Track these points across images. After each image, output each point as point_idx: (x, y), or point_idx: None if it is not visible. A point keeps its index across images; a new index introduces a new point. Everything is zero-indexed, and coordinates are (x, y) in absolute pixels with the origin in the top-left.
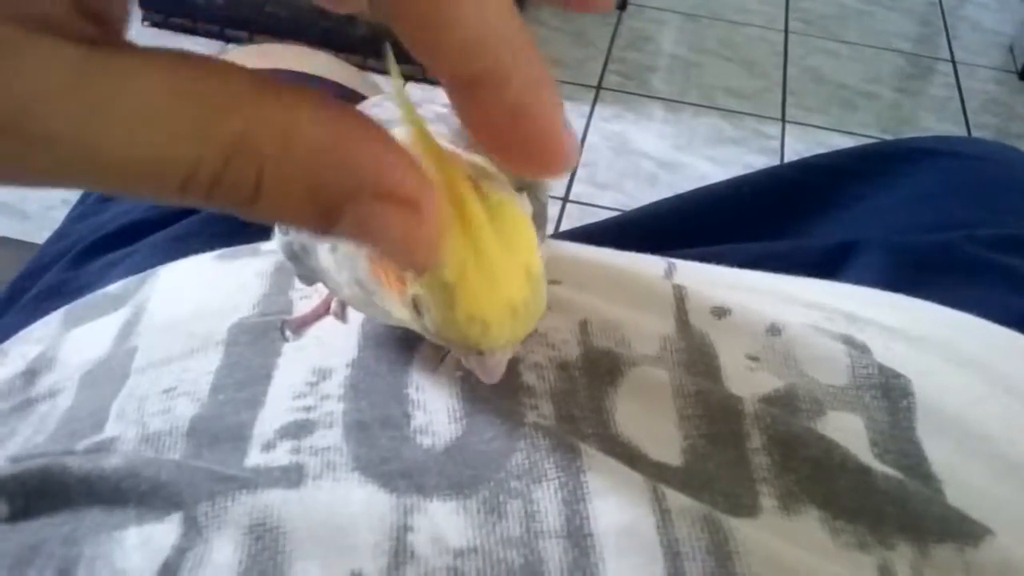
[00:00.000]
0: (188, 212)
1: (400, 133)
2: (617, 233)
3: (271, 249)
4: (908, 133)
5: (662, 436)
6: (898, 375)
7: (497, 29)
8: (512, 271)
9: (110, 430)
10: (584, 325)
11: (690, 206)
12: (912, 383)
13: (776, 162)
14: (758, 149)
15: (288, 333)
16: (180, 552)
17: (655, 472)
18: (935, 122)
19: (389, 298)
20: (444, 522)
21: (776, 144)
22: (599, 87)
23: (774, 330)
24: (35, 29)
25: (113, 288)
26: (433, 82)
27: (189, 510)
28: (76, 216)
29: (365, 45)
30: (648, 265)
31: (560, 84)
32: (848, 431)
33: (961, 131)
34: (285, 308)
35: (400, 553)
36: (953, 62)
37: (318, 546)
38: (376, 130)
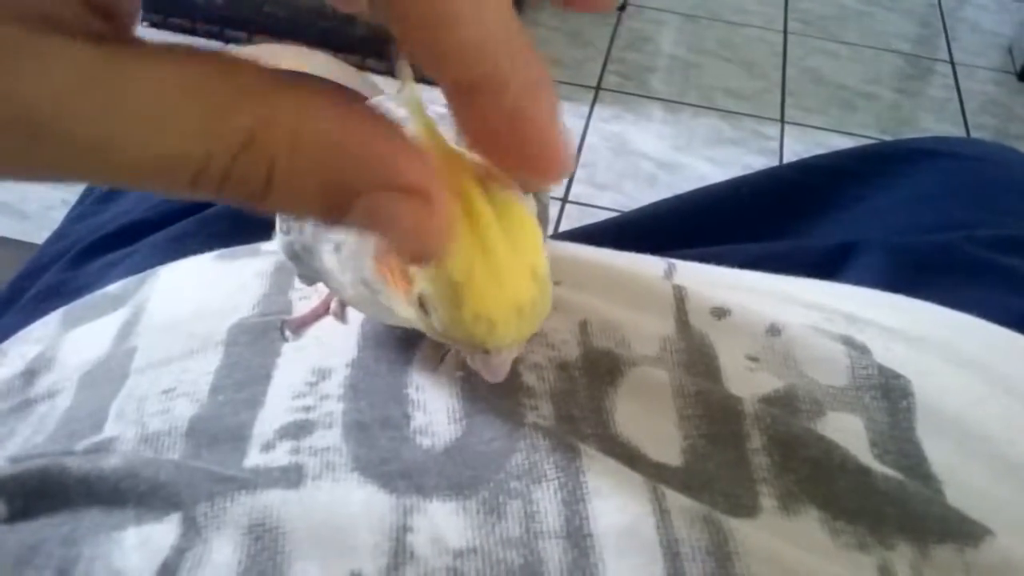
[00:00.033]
0: (188, 212)
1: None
2: (616, 234)
3: (271, 249)
4: (907, 134)
5: (662, 436)
6: (898, 376)
7: (496, 30)
8: (519, 271)
9: (109, 430)
10: (584, 325)
11: (689, 207)
12: (912, 384)
13: (775, 163)
14: (757, 150)
15: (288, 333)
16: (179, 552)
17: (655, 472)
18: (934, 123)
19: (394, 297)
20: (444, 522)
21: (775, 145)
22: (598, 88)
23: (774, 331)
24: (45, 28)
25: (112, 288)
26: (429, 82)
27: (188, 510)
28: (75, 216)
29: (364, 45)
30: (648, 265)
31: (559, 85)
32: (848, 432)
33: (960, 132)
34: (285, 308)
35: (400, 553)
36: (952, 63)
37: (317, 546)
38: (385, 122)
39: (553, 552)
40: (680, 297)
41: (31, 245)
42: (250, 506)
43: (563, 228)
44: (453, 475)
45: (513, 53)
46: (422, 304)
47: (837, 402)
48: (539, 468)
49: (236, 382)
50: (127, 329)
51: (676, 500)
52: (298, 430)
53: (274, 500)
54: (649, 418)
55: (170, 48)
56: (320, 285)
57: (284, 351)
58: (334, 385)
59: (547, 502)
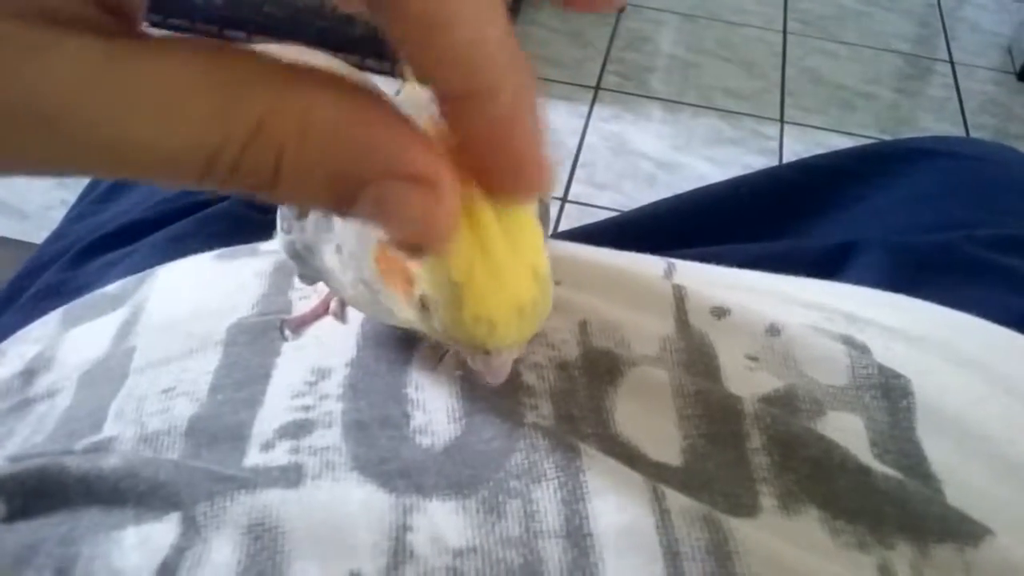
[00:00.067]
0: (187, 212)
1: None
2: (616, 233)
3: (270, 249)
4: (907, 134)
5: (662, 436)
6: (898, 375)
7: (491, 33)
8: (519, 271)
9: (108, 430)
10: (584, 325)
11: (689, 206)
12: (912, 383)
13: (775, 163)
14: (757, 150)
15: (287, 333)
16: (178, 552)
17: (655, 472)
18: (933, 122)
19: (395, 298)
20: (443, 522)
21: (775, 144)
22: (597, 87)
23: (773, 330)
24: (53, 24)
25: (112, 288)
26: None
27: (187, 510)
28: (75, 216)
29: (363, 45)
30: (648, 265)
31: (559, 84)
32: (848, 431)
33: (959, 131)
34: (284, 308)
35: (399, 553)
36: (951, 63)
37: (317, 546)
38: (393, 112)
39: (553, 551)
40: (680, 297)
41: (30, 245)
42: (249, 505)
43: (563, 228)
44: (453, 474)
45: (506, 56)
46: (423, 305)
47: (837, 401)
48: (539, 467)
49: (235, 381)
50: (126, 329)
51: (676, 500)
52: (297, 429)
53: (273, 499)
54: (649, 418)
55: (177, 41)
56: (320, 285)
57: (283, 351)
58: (333, 385)
59: (547, 501)
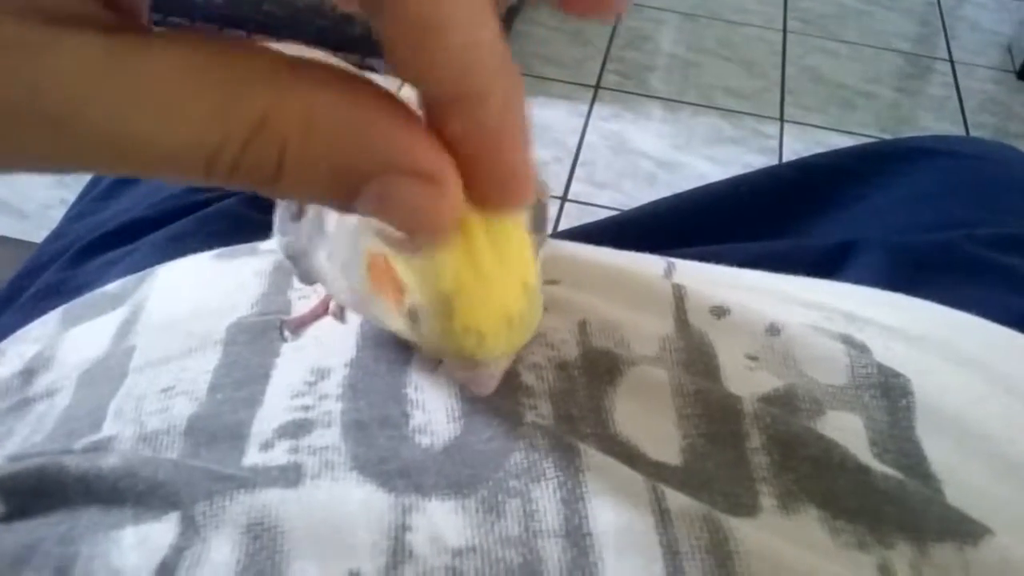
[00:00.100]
0: (187, 211)
1: None
2: (616, 233)
3: (269, 248)
4: (907, 132)
5: (661, 435)
6: (897, 374)
7: (484, 36)
8: (508, 282)
9: (108, 429)
10: (583, 325)
11: (689, 206)
12: (911, 382)
13: (775, 162)
14: (757, 149)
15: (287, 333)
16: (178, 551)
17: (654, 471)
18: (933, 121)
19: (385, 308)
20: (443, 521)
21: (775, 144)
22: (597, 86)
23: (773, 330)
24: (53, 22)
25: (111, 287)
26: None
27: (187, 509)
28: (74, 215)
29: (363, 44)
30: (647, 264)
31: (558, 83)
32: (847, 430)
33: (959, 130)
34: (284, 308)
35: (398, 552)
36: (951, 62)
37: (316, 545)
38: (397, 106)
39: (552, 551)
40: (679, 296)
41: (30, 244)
42: (249, 505)
43: (562, 227)
44: (452, 474)
45: (496, 60)
46: (412, 315)
47: (837, 401)
48: (538, 467)
49: (235, 381)
50: (126, 328)
51: (675, 499)
52: (297, 429)
53: (273, 499)
54: (648, 417)
55: (180, 35)
56: (320, 285)
57: (283, 351)
58: (333, 384)
59: (546, 501)
